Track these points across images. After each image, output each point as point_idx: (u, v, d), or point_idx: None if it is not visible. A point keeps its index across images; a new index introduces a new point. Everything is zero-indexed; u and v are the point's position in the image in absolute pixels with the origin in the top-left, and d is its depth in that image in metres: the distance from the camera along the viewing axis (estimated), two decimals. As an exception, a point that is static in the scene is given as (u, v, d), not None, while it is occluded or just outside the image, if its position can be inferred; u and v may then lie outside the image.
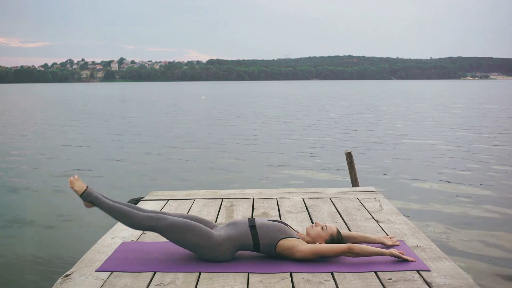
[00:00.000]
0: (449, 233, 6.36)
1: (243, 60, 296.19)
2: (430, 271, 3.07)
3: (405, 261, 3.21)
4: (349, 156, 6.33)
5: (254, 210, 4.79)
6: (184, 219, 3.33)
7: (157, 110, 33.03)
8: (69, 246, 6.08)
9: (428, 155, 12.78)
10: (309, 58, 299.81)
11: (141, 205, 5.03)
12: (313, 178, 9.96)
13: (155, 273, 3.12)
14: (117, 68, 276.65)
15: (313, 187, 6.06)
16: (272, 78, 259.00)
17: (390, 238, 3.58)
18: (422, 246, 3.55)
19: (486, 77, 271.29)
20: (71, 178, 3.45)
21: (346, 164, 6.43)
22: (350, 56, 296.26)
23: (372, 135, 17.23)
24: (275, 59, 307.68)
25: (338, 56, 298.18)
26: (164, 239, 3.84)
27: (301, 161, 12.09)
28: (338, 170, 10.59)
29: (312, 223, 4.28)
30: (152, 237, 3.92)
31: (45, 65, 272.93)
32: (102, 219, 6.98)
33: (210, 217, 4.51)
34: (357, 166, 6.54)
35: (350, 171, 6.31)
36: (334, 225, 3.52)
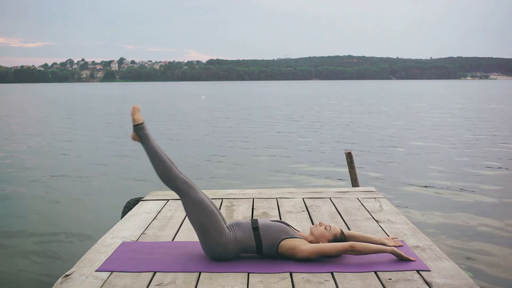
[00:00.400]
0: (449, 233, 6.36)
1: (243, 60, 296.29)
2: (430, 271, 3.06)
3: (406, 260, 3.21)
4: (349, 156, 6.33)
5: (254, 210, 4.79)
6: (212, 205, 3.32)
7: (157, 110, 33.02)
8: (69, 246, 6.08)
9: (428, 155, 12.78)
10: (309, 58, 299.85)
11: (141, 205, 5.03)
12: (313, 178, 9.96)
13: (155, 273, 3.12)
14: (117, 68, 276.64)
15: (313, 187, 6.06)
16: (272, 78, 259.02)
17: (392, 239, 3.57)
18: (422, 246, 3.55)
19: (486, 77, 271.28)
20: (135, 105, 3.39)
21: (346, 164, 6.43)
22: (350, 56, 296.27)
23: (372, 135, 17.22)
24: (275, 59, 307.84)
25: (338, 56, 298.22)
26: (163, 239, 3.85)
27: (301, 161, 12.09)
28: (338, 170, 10.59)
29: (312, 223, 4.28)
30: (152, 237, 3.93)
31: (45, 65, 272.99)
32: (102, 219, 7.01)
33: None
34: (357, 166, 6.54)
35: (350, 171, 6.31)
36: (337, 225, 3.52)
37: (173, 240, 3.85)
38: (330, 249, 3.21)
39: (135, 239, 3.86)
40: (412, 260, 3.21)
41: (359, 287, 2.84)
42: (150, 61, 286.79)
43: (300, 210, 4.73)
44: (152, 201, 5.17)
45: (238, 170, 11.02)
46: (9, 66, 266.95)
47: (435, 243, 3.77)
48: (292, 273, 3.05)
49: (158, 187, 8.46)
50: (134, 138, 3.40)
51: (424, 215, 7.16)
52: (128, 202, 5.45)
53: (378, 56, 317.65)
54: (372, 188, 5.62)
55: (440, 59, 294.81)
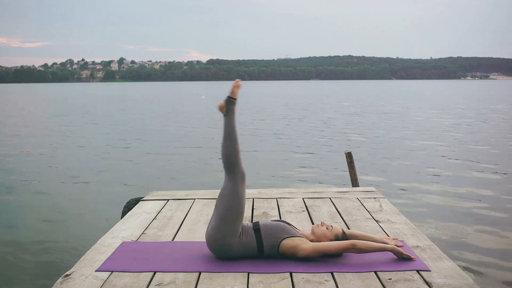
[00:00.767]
0: (449, 233, 6.36)
1: (243, 60, 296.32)
2: (430, 271, 3.06)
3: (406, 260, 3.21)
4: (349, 156, 6.33)
5: (254, 210, 4.79)
6: (243, 208, 3.31)
7: (157, 110, 33.01)
8: (69, 246, 6.08)
9: (429, 155, 12.79)
10: (309, 58, 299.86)
11: (141, 205, 5.02)
12: (313, 178, 9.96)
13: (155, 273, 3.12)
14: (117, 68, 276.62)
15: (313, 187, 6.06)
16: (272, 78, 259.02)
17: (393, 239, 3.56)
18: (422, 246, 3.55)
19: (486, 77, 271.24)
20: (240, 82, 3.43)
21: (346, 164, 6.43)
22: (350, 56, 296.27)
23: (372, 135, 17.22)
24: (275, 59, 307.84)
25: (338, 56, 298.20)
26: (163, 239, 3.85)
27: (301, 161, 12.09)
28: (338, 170, 10.59)
29: (312, 223, 4.28)
30: (152, 237, 3.92)
31: (45, 65, 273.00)
32: (102, 219, 7.01)
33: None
34: (357, 166, 6.54)
35: (350, 171, 6.31)
36: (338, 225, 3.52)
37: (173, 240, 3.85)
38: (331, 247, 3.20)
39: (135, 239, 3.85)
40: (413, 258, 3.21)
41: (359, 287, 2.84)
42: (150, 61, 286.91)
43: (300, 210, 4.73)
44: (152, 201, 5.17)
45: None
46: (9, 66, 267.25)
47: (435, 243, 3.77)
48: (292, 273, 3.05)
49: (158, 187, 8.49)
50: (221, 107, 3.39)
51: (424, 215, 7.16)
52: (128, 202, 5.45)
53: (378, 56, 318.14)
54: (372, 188, 5.62)
55: (440, 59, 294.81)
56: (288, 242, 3.23)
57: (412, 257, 3.22)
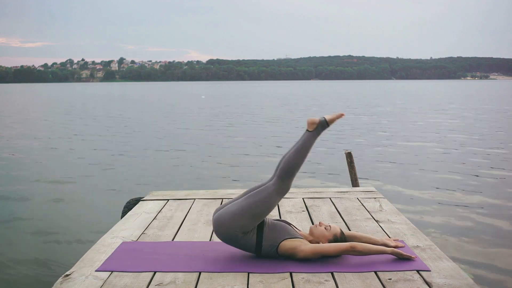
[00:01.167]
0: (449, 233, 6.37)
1: (243, 60, 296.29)
2: (430, 271, 3.06)
3: (406, 260, 3.21)
4: (349, 156, 6.33)
5: (254, 210, 4.78)
6: (269, 211, 3.30)
7: (157, 110, 33.02)
8: (69, 246, 6.08)
9: (429, 156, 12.78)
10: (309, 58, 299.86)
11: (141, 205, 5.02)
12: (313, 178, 9.96)
13: (155, 273, 3.12)
14: (117, 68, 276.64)
15: (313, 187, 6.06)
16: (272, 78, 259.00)
17: (394, 240, 3.55)
18: (422, 246, 3.55)
19: (486, 77, 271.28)
20: (343, 114, 3.43)
21: (346, 164, 6.43)
22: (350, 56, 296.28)
23: (372, 135, 17.23)
24: (275, 59, 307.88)
25: (338, 56, 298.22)
26: (163, 239, 3.85)
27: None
28: (338, 170, 10.58)
29: (312, 223, 4.28)
30: (152, 237, 3.92)
31: (45, 65, 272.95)
32: (102, 219, 7.01)
33: (210, 217, 4.50)
34: (357, 166, 6.54)
35: (350, 171, 6.31)
36: (337, 225, 3.51)
37: (173, 240, 3.85)
38: (331, 249, 3.20)
39: (135, 239, 3.85)
40: (413, 258, 3.21)
41: (359, 287, 2.84)
42: (150, 61, 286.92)
43: (300, 210, 4.73)
44: (152, 201, 5.17)
45: (238, 170, 11.02)
46: (9, 66, 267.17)
47: (435, 243, 3.77)
48: (292, 273, 3.05)
49: (158, 187, 8.49)
50: (311, 123, 3.35)
51: (424, 215, 7.16)
52: (128, 202, 5.45)
53: (378, 56, 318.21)
54: (372, 188, 5.62)
55: (440, 59, 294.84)
56: (287, 243, 3.23)
57: (412, 256, 3.23)
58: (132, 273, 3.11)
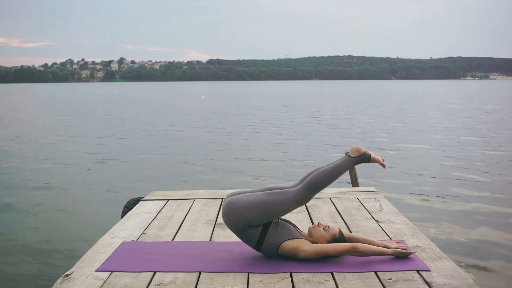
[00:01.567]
0: (449, 233, 6.37)
1: (243, 60, 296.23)
2: (430, 271, 3.06)
3: (406, 260, 3.22)
4: (349, 156, 6.32)
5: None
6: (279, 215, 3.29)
7: (157, 110, 33.02)
8: (69, 246, 6.08)
9: (429, 156, 12.79)
10: (309, 58, 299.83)
11: (141, 205, 5.02)
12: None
13: (155, 273, 3.12)
14: (117, 68, 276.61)
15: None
16: (272, 78, 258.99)
17: (396, 242, 3.53)
18: (422, 246, 3.55)
19: (486, 77, 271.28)
20: (385, 165, 3.34)
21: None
22: (350, 56, 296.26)
23: (372, 135, 17.23)
24: (275, 59, 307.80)
25: (338, 56, 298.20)
26: (163, 239, 3.85)
27: (301, 160, 12.09)
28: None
29: (313, 223, 4.28)
30: (152, 237, 3.92)
31: (45, 65, 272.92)
32: (102, 219, 7.01)
33: (210, 217, 4.50)
34: (357, 166, 6.53)
35: (350, 171, 6.31)
36: (336, 225, 3.51)
37: (173, 240, 3.85)
38: (332, 249, 3.21)
39: (135, 239, 3.86)
40: (413, 253, 3.26)
41: (359, 287, 2.84)
42: (150, 61, 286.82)
43: (300, 210, 4.73)
44: (152, 201, 5.17)
45: (238, 170, 11.02)
46: (9, 66, 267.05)
47: (435, 243, 3.77)
48: (292, 273, 3.05)
49: (158, 187, 8.49)
50: (356, 150, 3.30)
51: (424, 215, 7.16)
52: (128, 202, 5.45)
53: (378, 56, 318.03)
54: (372, 188, 5.62)
55: (440, 59, 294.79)
56: (289, 244, 3.22)
57: (412, 251, 3.27)
58: (132, 273, 3.11)
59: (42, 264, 5.53)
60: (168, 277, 3.04)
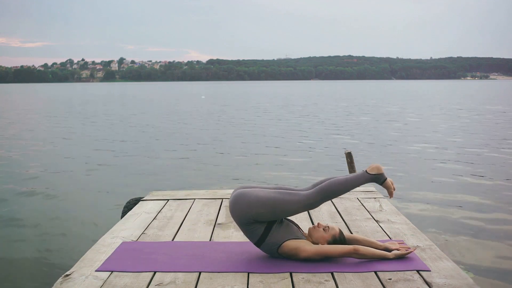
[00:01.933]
0: (449, 233, 6.37)
1: (243, 60, 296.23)
2: (430, 271, 3.06)
3: (406, 260, 3.22)
4: (349, 156, 6.33)
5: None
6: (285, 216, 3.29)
7: (157, 110, 33.02)
8: (69, 246, 6.08)
9: (429, 156, 12.78)
10: (309, 58, 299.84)
11: (141, 205, 5.02)
12: (313, 178, 9.96)
13: (155, 273, 3.12)
14: (117, 68, 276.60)
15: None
16: (272, 78, 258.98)
17: (398, 242, 3.52)
18: (422, 246, 3.55)
19: (486, 77, 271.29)
20: (393, 194, 3.37)
21: (346, 164, 6.43)
22: (350, 56, 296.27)
23: (373, 135, 17.23)
24: (275, 59, 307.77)
25: (338, 56, 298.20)
26: (163, 239, 3.85)
27: (301, 161, 12.09)
28: (338, 170, 10.58)
29: (313, 223, 4.28)
30: (152, 237, 3.92)
31: (45, 65, 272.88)
32: (102, 219, 7.01)
33: (210, 217, 4.51)
34: (357, 166, 6.54)
35: (350, 171, 6.31)
36: (336, 225, 3.51)
37: (173, 240, 3.85)
38: (333, 251, 3.21)
39: (135, 239, 3.86)
40: (413, 251, 3.28)
41: (359, 287, 2.84)
42: (150, 61, 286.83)
43: (300, 210, 4.72)
44: (152, 201, 5.17)
45: (238, 170, 11.02)
46: (9, 66, 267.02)
47: (435, 243, 3.77)
48: (292, 273, 3.05)
49: (158, 187, 8.48)
50: (376, 168, 3.30)
51: (424, 215, 7.16)
52: (128, 202, 5.45)
53: (378, 56, 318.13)
54: (372, 188, 5.61)
55: (440, 59, 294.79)
56: (290, 244, 3.22)
57: (412, 249, 3.29)
58: (132, 273, 3.11)
59: (42, 264, 5.54)
60: (168, 277, 3.04)
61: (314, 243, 3.30)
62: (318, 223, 3.38)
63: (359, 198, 5.13)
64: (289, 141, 15.79)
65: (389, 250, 3.35)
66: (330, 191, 3.27)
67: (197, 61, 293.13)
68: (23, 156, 13.43)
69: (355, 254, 3.19)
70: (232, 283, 2.93)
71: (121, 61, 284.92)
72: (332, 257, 3.23)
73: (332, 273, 3.04)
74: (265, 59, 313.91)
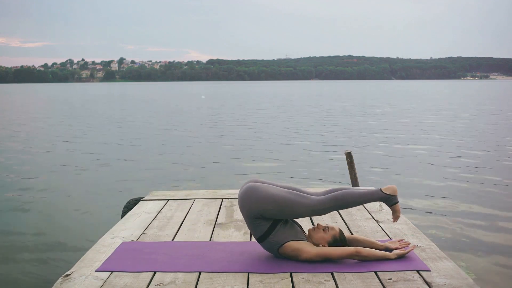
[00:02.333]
0: (449, 233, 6.37)
1: (243, 60, 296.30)
2: (430, 271, 3.06)
3: (406, 260, 3.22)
4: (349, 156, 6.32)
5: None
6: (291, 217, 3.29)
7: (157, 110, 33.02)
8: (69, 246, 6.08)
9: (429, 155, 12.78)
10: (309, 58, 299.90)
11: (141, 205, 5.03)
12: (312, 178, 9.96)
13: (155, 273, 3.12)
14: (117, 68, 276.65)
15: (313, 187, 6.05)
16: (272, 78, 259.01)
17: (399, 241, 3.50)
18: (422, 246, 3.55)
19: (486, 77, 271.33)
20: (395, 220, 3.39)
21: (346, 164, 6.42)
22: (350, 56, 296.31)
23: (373, 135, 17.23)
24: (275, 59, 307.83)
25: (338, 56, 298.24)
26: (163, 239, 3.85)
27: (301, 161, 12.09)
28: (338, 170, 10.58)
29: (313, 224, 4.27)
30: (152, 237, 3.92)
31: (45, 65, 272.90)
32: (102, 219, 7.01)
33: (210, 217, 4.51)
34: (357, 166, 6.54)
35: (350, 171, 6.30)
36: (336, 225, 3.51)
37: (173, 240, 3.85)
38: (335, 253, 3.21)
39: (135, 239, 3.85)
40: (413, 248, 3.30)
41: (359, 287, 2.84)
42: (150, 61, 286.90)
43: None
44: (152, 201, 5.17)
45: (238, 170, 11.02)
46: (9, 66, 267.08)
47: (435, 243, 3.77)
48: (292, 273, 3.05)
49: (158, 187, 8.49)
50: (391, 189, 3.34)
51: (424, 215, 7.17)
52: (128, 202, 5.45)
53: (378, 56, 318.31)
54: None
55: (440, 59, 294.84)
56: (292, 244, 3.22)
57: (411, 247, 3.31)
58: (132, 273, 3.11)
59: (42, 264, 5.54)
60: (168, 277, 3.04)
61: (314, 244, 3.30)
62: (317, 224, 3.37)
63: (359, 198, 5.12)
64: (289, 142, 15.79)
65: (390, 250, 3.35)
66: (342, 201, 3.28)
67: (197, 61, 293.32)
68: (23, 156, 13.43)
69: (356, 256, 3.19)
70: (232, 283, 2.93)
71: (121, 61, 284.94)
72: (334, 258, 3.23)
73: (332, 273, 3.04)
74: (265, 59, 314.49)
